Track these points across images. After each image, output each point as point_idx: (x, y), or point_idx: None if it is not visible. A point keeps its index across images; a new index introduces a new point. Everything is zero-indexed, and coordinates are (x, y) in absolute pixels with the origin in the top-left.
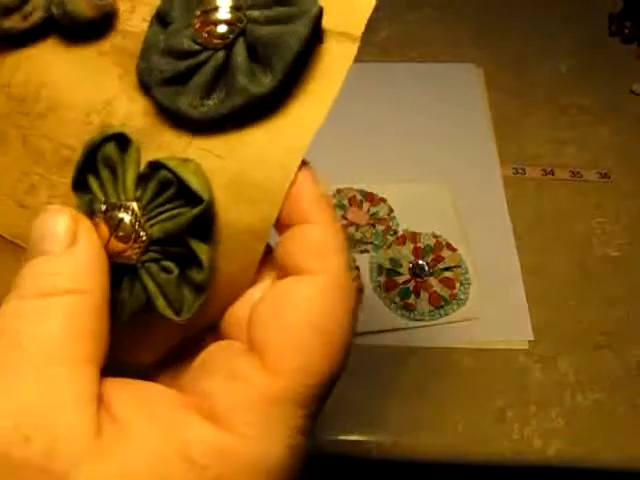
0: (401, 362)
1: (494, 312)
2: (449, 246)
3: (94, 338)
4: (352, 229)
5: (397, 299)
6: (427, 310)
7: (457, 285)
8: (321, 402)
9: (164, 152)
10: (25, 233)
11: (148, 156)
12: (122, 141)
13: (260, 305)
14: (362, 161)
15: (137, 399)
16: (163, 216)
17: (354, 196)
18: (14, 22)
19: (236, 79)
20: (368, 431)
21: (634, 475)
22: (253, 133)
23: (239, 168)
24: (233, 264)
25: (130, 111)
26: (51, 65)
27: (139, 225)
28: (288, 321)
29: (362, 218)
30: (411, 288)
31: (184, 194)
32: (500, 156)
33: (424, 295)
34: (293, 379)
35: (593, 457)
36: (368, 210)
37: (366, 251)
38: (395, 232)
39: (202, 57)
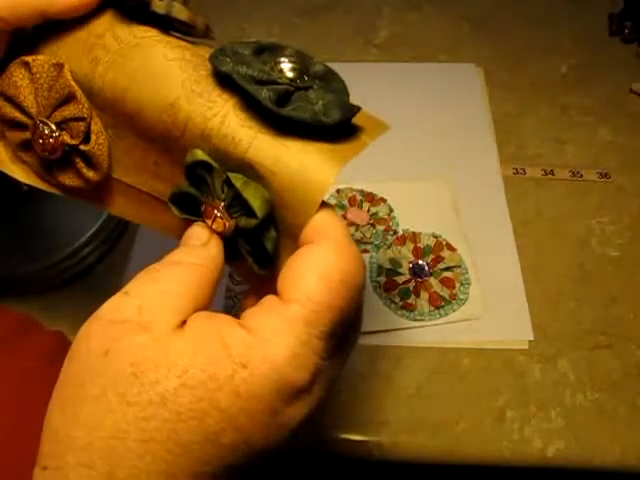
0: (401, 362)
1: (494, 312)
2: (449, 246)
3: (197, 289)
4: (352, 229)
5: (397, 299)
6: (427, 310)
7: (457, 285)
8: (332, 327)
9: (229, 145)
10: (160, 190)
11: (221, 146)
12: (206, 166)
13: (286, 268)
14: (362, 161)
15: (204, 316)
16: (236, 215)
17: (354, 196)
18: None
19: (311, 104)
20: (368, 431)
21: (634, 475)
22: (305, 147)
23: (286, 180)
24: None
25: (191, 109)
26: (133, 70)
27: (224, 219)
28: (297, 269)
29: (362, 218)
30: (411, 288)
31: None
32: (500, 156)
33: (424, 295)
34: (301, 306)
35: (593, 457)
36: (368, 210)
37: (366, 251)
38: (395, 232)
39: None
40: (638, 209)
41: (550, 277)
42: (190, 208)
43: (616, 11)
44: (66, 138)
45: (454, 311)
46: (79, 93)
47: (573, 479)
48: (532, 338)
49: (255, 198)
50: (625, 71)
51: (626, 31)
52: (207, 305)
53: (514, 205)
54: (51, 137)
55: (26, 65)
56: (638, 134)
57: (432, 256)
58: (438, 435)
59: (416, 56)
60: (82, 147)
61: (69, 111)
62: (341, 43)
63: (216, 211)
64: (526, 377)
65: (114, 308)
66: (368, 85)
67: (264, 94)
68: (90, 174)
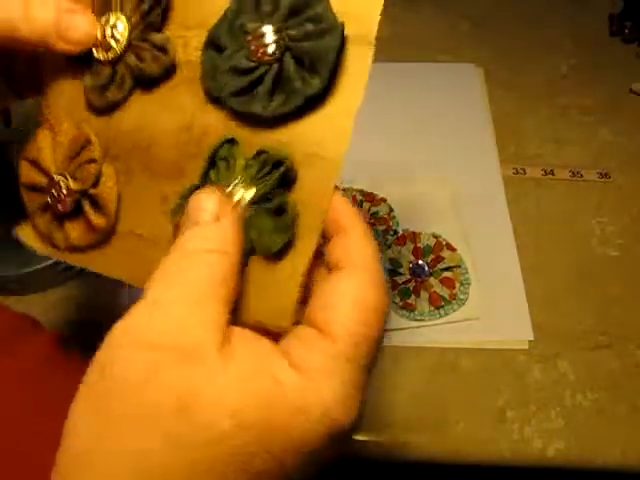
0: (401, 362)
1: (494, 312)
2: (449, 246)
3: (227, 286)
4: None
5: (397, 299)
6: (427, 310)
7: (457, 285)
8: (369, 359)
9: (245, 146)
10: (164, 233)
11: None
12: (232, 142)
13: (316, 297)
14: (362, 161)
15: (248, 339)
16: (260, 184)
17: (354, 196)
18: (113, 94)
19: (293, 84)
20: (368, 431)
21: (634, 475)
22: (311, 121)
23: (305, 149)
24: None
25: (207, 123)
26: (141, 112)
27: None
28: (332, 300)
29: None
30: (411, 288)
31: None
32: (500, 156)
33: (424, 295)
34: (343, 342)
35: (593, 457)
36: (368, 210)
37: None
38: (395, 232)
39: (261, 71)
40: (638, 209)
41: (550, 277)
42: None
43: (616, 11)
44: (77, 184)
45: (454, 311)
46: (94, 138)
47: (573, 479)
48: (532, 338)
49: (284, 154)
50: (625, 71)
51: (626, 31)
52: (237, 298)
53: (514, 205)
54: (64, 187)
55: (51, 129)
56: (638, 134)
57: (432, 256)
58: (438, 435)
59: (416, 56)
60: (91, 191)
61: (84, 156)
62: None
63: (235, 183)
64: (526, 377)
65: (146, 326)
66: (368, 85)
67: (255, 108)
68: (99, 220)
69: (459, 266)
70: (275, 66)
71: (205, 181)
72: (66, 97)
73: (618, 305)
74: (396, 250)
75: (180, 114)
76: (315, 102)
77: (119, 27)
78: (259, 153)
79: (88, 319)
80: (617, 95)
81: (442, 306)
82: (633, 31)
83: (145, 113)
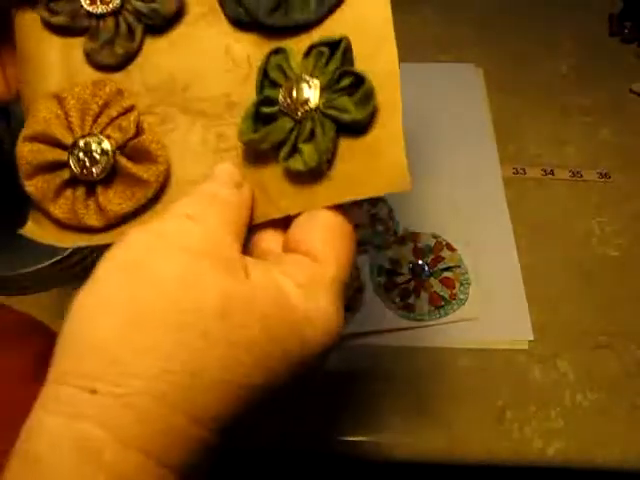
0: (401, 362)
1: (494, 312)
2: (449, 246)
3: (243, 232)
4: None
5: (397, 299)
6: (427, 310)
7: (457, 285)
8: (347, 276)
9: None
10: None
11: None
12: (278, 51)
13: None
14: None
15: (258, 264)
16: (325, 71)
17: None
18: (123, 46)
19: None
20: (368, 431)
21: (634, 475)
22: (342, 12)
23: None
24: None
25: (244, 46)
26: (165, 57)
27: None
28: (314, 229)
29: (362, 218)
30: (411, 288)
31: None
32: (500, 156)
33: (424, 295)
34: (331, 266)
35: (593, 457)
36: (368, 210)
37: (366, 251)
38: (395, 232)
39: None
40: (638, 209)
41: (550, 277)
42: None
43: (616, 11)
44: (111, 140)
45: (454, 311)
46: (122, 87)
47: (573, 479)
48: (532, 338)
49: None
50: (625, 71)
51: (626, 31)
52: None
53: (514, 205)
54: (96, 148)
55: (54, 97)
56: (638, 134)
57: (432, 256)
58: (438, 435)
59: (416, 56)
60: (132, 143)
61: (116, 107)
62: None
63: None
64: (526, 377)
65: (183, 233)
66: None
67: (297, 16)
68: (150, 167)
69: (459, 266)
70: None
71: (262, 94)
72: (61, 66)
73: (618, 305)
74: (396, 250)
75: (213, 47)
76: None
77: None
78: (310, 48)
79: None
80: (617, 95)
81: (442, 306)
82: (633, 31)
83: (170, 56)
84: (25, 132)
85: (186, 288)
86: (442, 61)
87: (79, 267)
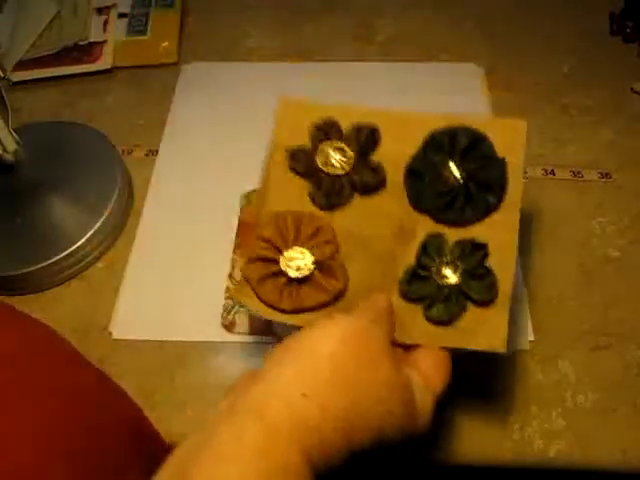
0: None
1: None
2: None
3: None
4: None
5: None
6: None
7: None
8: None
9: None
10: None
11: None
12: (437, 235)
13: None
14: None
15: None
16: (465, 261)
17: None
18: (335, 199)
19: (477, 201)
20: None
21: (635, 475)
22: (491, 220)
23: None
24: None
25: (414, 223)
26: (360, 214)
27: (454, 267)
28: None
29: None
30: None
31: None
32: None
33: None
34: (437, 388)
35: (594, 457)
36: None
37: None
38: None
39: (454, 193)
40: (639, 209)
41: (550, 277)
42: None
43: (617, 10)
44: (313, 257)
45: None
46: (326, 222)
47: (574, 479)
48: (532, 338)
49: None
50: (626, 71)
51: (627, 30)
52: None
53: None
54: (307, 259)
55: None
56: (639, 134)
57: None
58: (439, 435)
59: (417, 55)
60: (327, 262)
61: (321, 237)
62: (341, 43)
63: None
64: (527, 377)
65: (371, 335)
66: (368, 85)
67: (453, 217)
68: (333, 282)
69: None
70: (462, 189)
71: (420, 262)
72: (288, 197)
73: (619, 305)
74: None
75: (390, 217)
76: (492, 210)
77: (341, 157)
78: (458, 243)
79: (88, 319)
80: (618, 95)
81: None
82: (634, 30)
83: (363, 215)
84: (257, 233)
85: (376, 370)
86: (443, 60)
87: (77, 267)
